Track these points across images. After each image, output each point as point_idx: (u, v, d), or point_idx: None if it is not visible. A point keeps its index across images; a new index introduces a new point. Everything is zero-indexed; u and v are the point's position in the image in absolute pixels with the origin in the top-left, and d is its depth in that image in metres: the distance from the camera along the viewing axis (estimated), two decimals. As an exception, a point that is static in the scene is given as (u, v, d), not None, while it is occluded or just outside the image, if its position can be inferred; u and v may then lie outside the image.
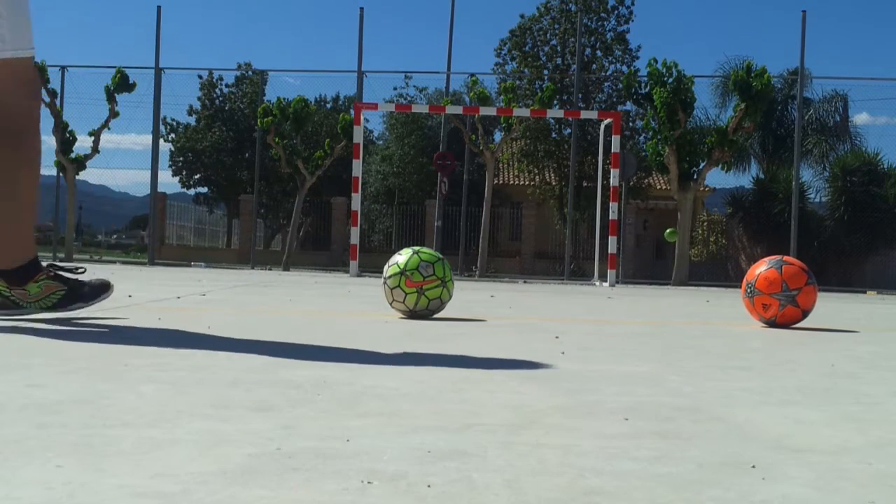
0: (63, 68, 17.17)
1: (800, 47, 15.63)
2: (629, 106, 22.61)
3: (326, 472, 0.90)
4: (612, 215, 10.39)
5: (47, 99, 16.07)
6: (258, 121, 16.82)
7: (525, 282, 11.87)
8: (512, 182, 28.68)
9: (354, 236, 10.57)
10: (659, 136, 14.04)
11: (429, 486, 0.86)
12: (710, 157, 14.14)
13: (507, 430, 1.15)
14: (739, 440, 1.14)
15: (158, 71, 16.79)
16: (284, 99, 16.53)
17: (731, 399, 1.48)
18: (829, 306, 5.69)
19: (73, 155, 16.19)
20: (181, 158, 33.74)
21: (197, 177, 34.22)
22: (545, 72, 24.71)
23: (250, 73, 30.14)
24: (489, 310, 4.05)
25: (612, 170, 10.51)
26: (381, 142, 32.20)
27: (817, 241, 20.05)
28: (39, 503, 0.77)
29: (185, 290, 4.65)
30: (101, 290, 2.64)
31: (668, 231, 10.89)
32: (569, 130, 22.31)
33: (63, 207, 17.18)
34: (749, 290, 3.32)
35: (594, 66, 25.33)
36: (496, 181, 22.18)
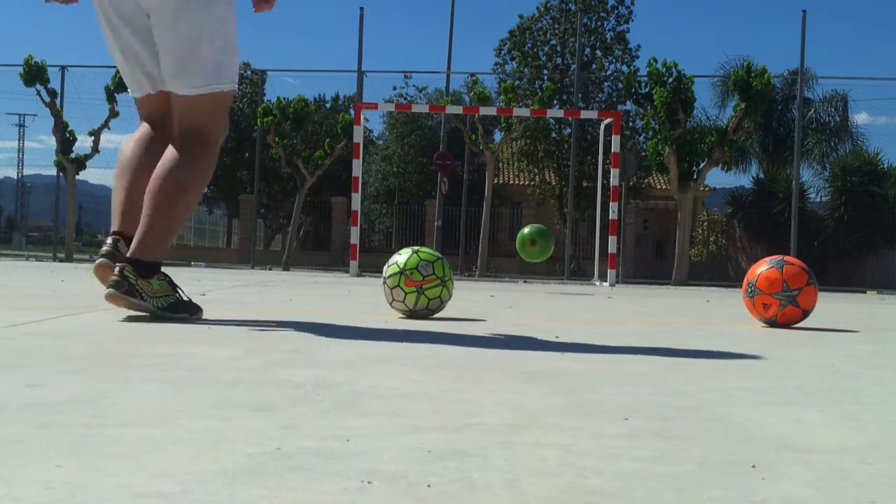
0: (63, 68, 17.16)
1: (800, 47, 15.63)
2: (629, 106, 22.61)
3: (326, 471, 0.90)
4: (612, 215, 10.39)
5: (48, 99, 16.08)
6: (258, 121, 16.82)
7: (525, 282, 11.87)
8: (512, 182, 28.68)
9: (354, 236, 10.57)
10: (659, 136, 14.04)
11: (429, 486, 0.86)
12: (710, 157, 14.15)
13: (507, 429, 1.15)
14: (739, 440, 1.14)
15: (158, 71, 16.77)
16: (284, 99, 16.53)
17: (731, 399, 1.48)
18: (830, 306, 5.69)
19: (73, 155, 16.19)
20: (181, 158, 33.70)
21: (197, 177, 34.21)
22: (545, 72, 24.71)
23: (250, 72, 30.13)
24: (489, 310, 4.05)
25: (612, 169, 10.50)
26: (381, 141, 32.22)
27: (817, 240, 20.06)
28: (39, 503, 0.77)
29: (184, 290, 4.65)
30: (197, 310, 2.73)
31: (524, 232, 7.06)
32: (569, 130, 22.31)
33: (63, 207, 17.18)
34: (749, 290, 3.32)
35: (594, 65, 25.33)
36: (496, 181, 22.18)
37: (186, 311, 2.65)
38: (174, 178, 2.60)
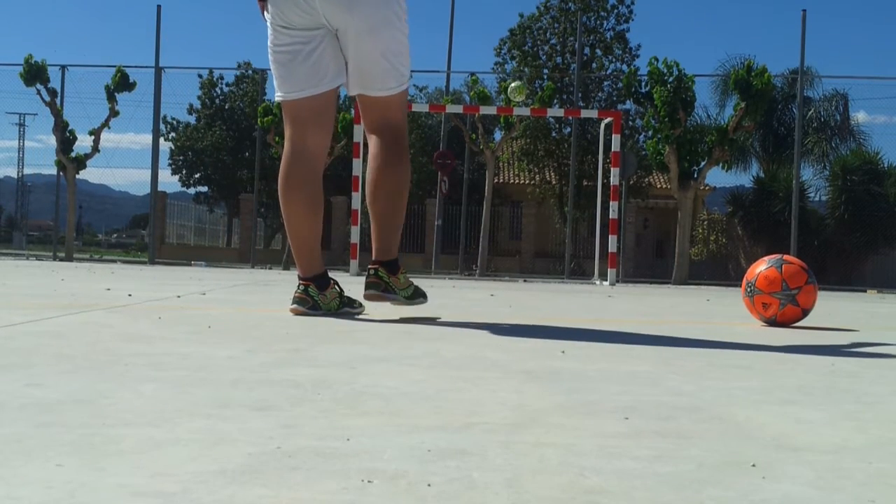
0: (63, 67, 17.15)
1: (800, 46, 15.61)
2: (629, 105, 22.61)
3: (326, 470, 0.90)
4: (613, 214, 10.39)
5: (48, 98, 16.07)
6: (258, 120, 16.83)
7: (525, 281, 11.87)
8: (512, 181, 28.69)
9: (354, 235, 10.57)
10: (659, 135, 14.04)
11: (429, 485, 0.86)
12: (711, 156, 14.14)
13: (507, 429, 1.15)
14: (739, 439, 1.14)
15: (158, 70, 16.78)
16: (284, 98, 16.48)
17: (731, 398, 1.48)
18: (830, 305, 5.69)
19: (73, 154, 16.18)
20: (181, 157, 33.73)
21: (197, 176, 34.23)
22: (545, 71, 24.70)
23: (250, 72, 30.13)
24: (489, 309, 4.05)
25: (612, 168, 10.50)
26: (381, 141, 32.14)
27: (817, 240, 20.06)
28: (40, 502, 0.77)
29: (185, 290, 4.65)
30: (424, 295, 3.13)
31: (512, 86, 8.27)
32: (569, 129, 22.31)
33: (63, 207, 17.17)
34: (749, 290, 3.32)
35: (594, 65, 25.33)
36: (496, 180, 22.19)
37: (421, 296, 3.06)
38: (394, 179, 2.98)
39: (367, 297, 2.94)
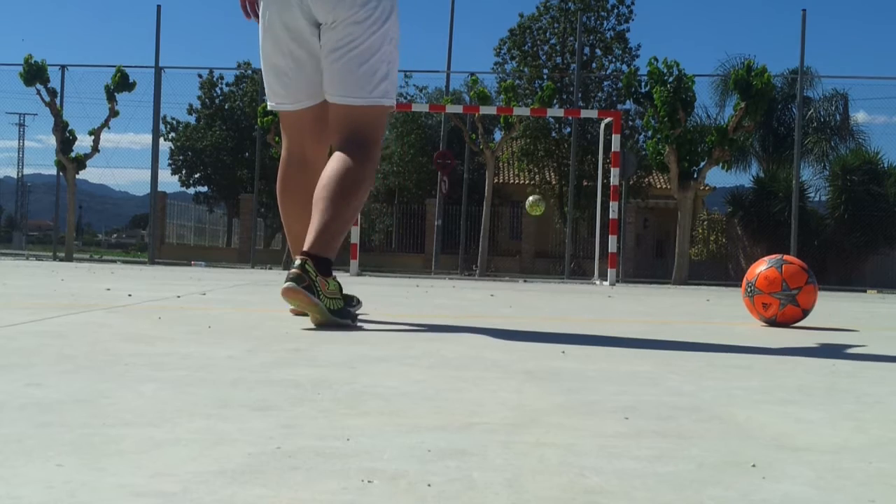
0: (63, 67, 17.14)
1: (800, 46, 15.60)
2: (629, 105, 22.61)
3: (326, 470, 0.90)
4: (613, 214, 10.39)
5: (48, 98, 16.07)
6: (258, 120, 16.82)
7: (525, 281, 11.87)
8: (512, 181, 28.69)
9: (354, 235, 10.57)
10: (659, 135, 14.04)
11: (429, 485, 0.86)
12: (711, 157, 14.14)
13: (507, 429, 1.15)
14: (739, 439, 1.14)
15: (158, 70, 16.78)
16: (284, 98, 16.46)
17: (731, 398, 1.48)
18: (830, 305, 5.69)
19: (73, 154, 16.18)
20: (181, 157, 33.73)
21: (197, 176, 34.23)
22: (545, 71, 24.71)
23: (250, 71, 30.12)
24: (489, 309, 4.05)
25: (612, 169, 10.50)
26: (381, 141, 32.12)
27: (817, 240, 20.06)
28: (40, 502, 0.77)
29: (185, 290, 4.65)
30: (356, 318, 2.76)
31: (531, 200, 8.52)
32: (569, 129, 22.32)
33: (63, 207, 17.17)
34: (749, 290, 3.32)
35: (594, 64, 25.33)
36: (496, 180, 22.19)
37: (350, 318, 2.60)
38: (348, 177, 2.64)
39: (283, 293, 2.43)
